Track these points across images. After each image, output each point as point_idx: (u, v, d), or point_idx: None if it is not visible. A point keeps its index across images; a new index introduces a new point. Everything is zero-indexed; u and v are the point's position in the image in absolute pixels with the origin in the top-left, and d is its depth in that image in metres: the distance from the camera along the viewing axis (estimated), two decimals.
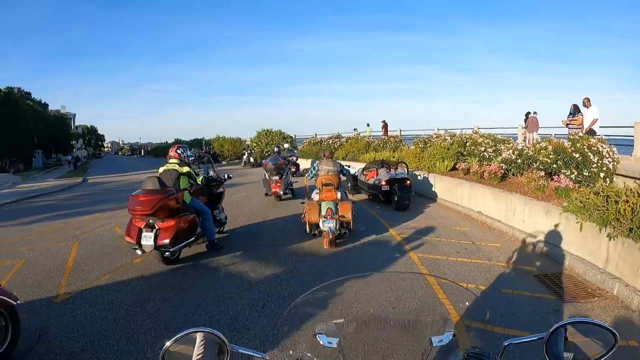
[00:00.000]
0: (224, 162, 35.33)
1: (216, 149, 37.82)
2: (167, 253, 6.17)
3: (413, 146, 18.81)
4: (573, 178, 8.89)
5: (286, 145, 22.90)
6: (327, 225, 7.07)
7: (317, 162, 8.43)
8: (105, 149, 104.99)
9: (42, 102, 49.68)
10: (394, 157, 18.02)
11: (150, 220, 6.10)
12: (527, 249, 7.54)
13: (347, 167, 9.35)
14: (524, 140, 18.29)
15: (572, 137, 10.27)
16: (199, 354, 1.21)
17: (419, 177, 13.96)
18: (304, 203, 8.15)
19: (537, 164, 9.71)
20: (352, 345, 1.54)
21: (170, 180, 6.60)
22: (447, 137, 16.00)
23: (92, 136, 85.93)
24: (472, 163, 12.56)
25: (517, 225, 8.50)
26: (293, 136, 34.35)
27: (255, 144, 30.48)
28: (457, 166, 13.30)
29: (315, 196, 7.78)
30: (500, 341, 1.38)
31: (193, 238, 6.56)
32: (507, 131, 21.22)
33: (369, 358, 1.51)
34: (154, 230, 6.04)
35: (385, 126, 26.94)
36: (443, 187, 12.63)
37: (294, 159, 20.74)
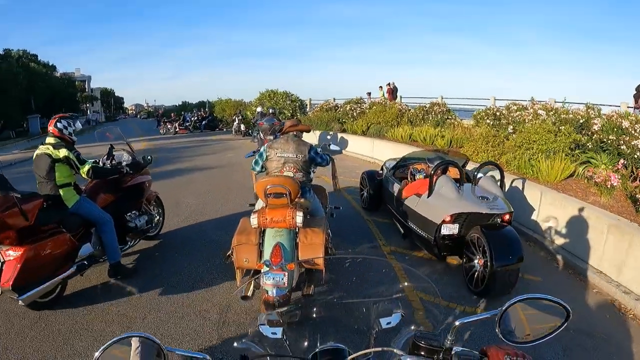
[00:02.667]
0: (224, 130, 29.96)
1: (217, 114, 32.58)
2: (19, 302, 3.95)
3: (472, 121, 12.31)
4: None
5: (259, 109, 18.07)
6: (270, 283, 3.51)
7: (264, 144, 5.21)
8: (130, 112, 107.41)
9: (50, 64, 46.90)
10: (442, 135, 11.63)
11: None
12: None
13: (328, 150, 5.54)
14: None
15: None
16: None
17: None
18: (252, 205, 4.82)
19: None
20: (297, 332, 1.54)
21: (44, 170, 4.48)
22: (540, 111, 9.43)
23: (109, 98, 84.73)
24: (608, 169, 6.28)
25: None
26: (307, 100, 27.75)
27: (254, 107, 24.07)
28: (583, 172, 6.86)
29: (253, 219, 3.85)
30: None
31: (72, 269, 4.34)
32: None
33: (314, 344, 1.44)
34: None
35: (391, 90, 22.11)
36: (563, 217, 6.00)
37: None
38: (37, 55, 44.24)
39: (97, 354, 1.13)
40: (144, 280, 4.87)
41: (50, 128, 4.70)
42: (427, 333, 1.36)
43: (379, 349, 1.35)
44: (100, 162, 5.28)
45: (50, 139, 4.64)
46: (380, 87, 22.89)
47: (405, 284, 1.77)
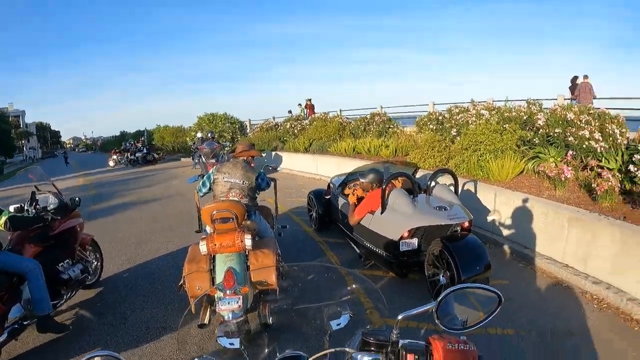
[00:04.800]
0: (163, 158, 28.14)
1: (156, 141, 30.84)
2: None
3: (415, 127, 12.18)
4: None
5: (199, 134, 18.58)
6: (226, 308, 3.42)
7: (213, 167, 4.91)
8: (68, 145, 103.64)
9: None
10: (387, 145, 11.40)
11: None
12: None
13: (268, 170, 6.13)
14: None
15: None
16: None
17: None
18: (199, 232, 4.86)
19: None
20: (256, 342, 1.64)
21: None
22: (483, 112, 9.34)
23: (45, 133, 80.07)
24: (557, 162, 6.15)
25: None
26: (246, 121, 27.21)
27: (194, 132, 23.20)
28: (533, 168, 6.71)
29: (202, 246, 3.73)
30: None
31: (3, 337, 3.72)
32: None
33: (273, 353, 1.47)
34: None
35: (311, 106, 22.47)
36: (520, 216, 5.84)
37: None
38: None
39: None
40: (85, 337, 4.29)
41: None
42: (374, 329, 1.42)
43: (332, 350, 1.37)
44: (25, 207, 4.70)
45: None
46: (299, 104, 23.12)
47: (353, 286, 1.79)
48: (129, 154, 25.39)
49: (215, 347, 1.40)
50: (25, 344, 4.19)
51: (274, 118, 23.94)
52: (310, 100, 22.72)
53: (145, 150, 25.09)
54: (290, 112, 23.22)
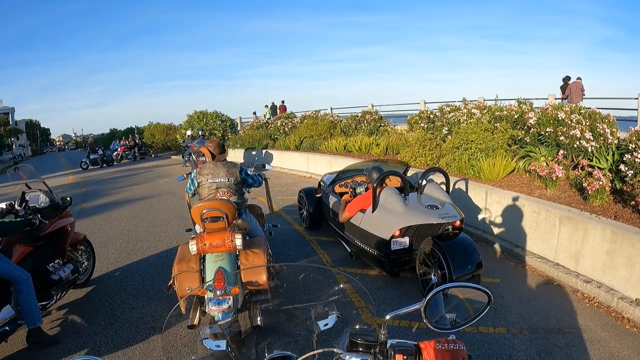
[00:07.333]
0: (152, 156, 28.58)
1: (146, 139, 30.66)
2: None
3: (405, 126, 12.16)
4: None
5: (189, 132, 18.39)
6: (216, 309, 3.32)
7: (194, 170, 4.67)
8: (57, 143, 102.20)
9: None
10: (377, 144, 11.38)
11: None
12: None
13: (260, 169, 5.44)
14: None
15: None
16: None
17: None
18: (190, 230, 5.14)
19: None
20: (243, 343, 1.60)
21: None
22: (474, 110, 9.32)
23: (34, 131, 78.44)
24: (548, 161, 6.28)
25: None
26: (237, 119, 27.10)
27: (184, 130, 23.05)
28: (524, 167, 6.71)
29: (192, 246, 3.62)
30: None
31: None
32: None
33: (262, 354, 1.45)
34: None
35: (284, 108, 23.79)
36: (512, 214, 5.83)
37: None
38: None
39: None
40: (73, 339, 4.17)
41: None
42: (362, 329, 1.40)
43: (320, 350, 1.36)
44: (15, 206, 4.57)
45: None
46: (266, 105, 24.12)
47: (341, 286, 1.77)
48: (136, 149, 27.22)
49: (203, 349, 1.35)
50: (15, 346, 4.11)
51: (264, 115, 23.91)
52: (283, 102, 23.81)
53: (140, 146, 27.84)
54: (254, 113, 24.42)
